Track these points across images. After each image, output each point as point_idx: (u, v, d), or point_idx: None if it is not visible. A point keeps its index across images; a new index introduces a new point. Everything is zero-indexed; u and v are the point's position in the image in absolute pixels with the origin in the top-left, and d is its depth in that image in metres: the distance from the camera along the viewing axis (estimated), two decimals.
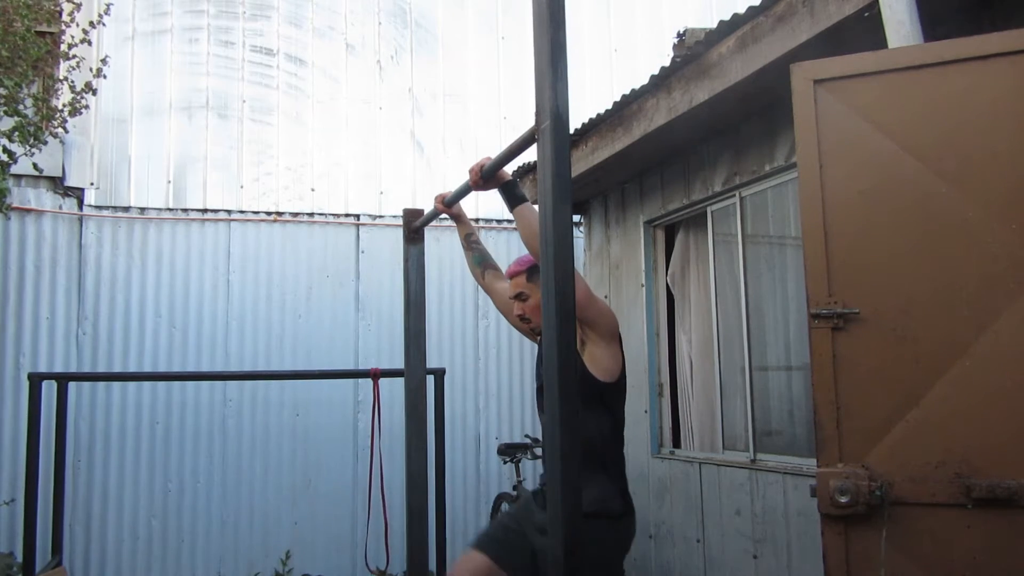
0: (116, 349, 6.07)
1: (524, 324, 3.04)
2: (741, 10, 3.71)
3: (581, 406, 2.63)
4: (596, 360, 2.78)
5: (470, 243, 3.33)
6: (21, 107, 5.04)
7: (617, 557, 2.81)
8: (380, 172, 6.81)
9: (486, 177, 2.68)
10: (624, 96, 4.73)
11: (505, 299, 3.15)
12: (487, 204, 6.78)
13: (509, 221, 6.84)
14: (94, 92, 5.52)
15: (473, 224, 3.48)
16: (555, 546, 1.70)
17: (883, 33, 2.77)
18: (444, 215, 3.19)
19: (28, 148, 5.09)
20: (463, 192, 2.88)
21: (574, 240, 1.78)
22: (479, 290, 6.81)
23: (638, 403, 5.59)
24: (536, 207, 2.72)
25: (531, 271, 2.94)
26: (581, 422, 2.66)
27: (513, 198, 2.71)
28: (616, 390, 2.84)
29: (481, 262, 3.30)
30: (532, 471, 6.31)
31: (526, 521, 2.92)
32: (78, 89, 5.32)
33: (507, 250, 6.88)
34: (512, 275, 3.03)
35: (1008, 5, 3.00)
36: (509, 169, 2.70)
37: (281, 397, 6.33)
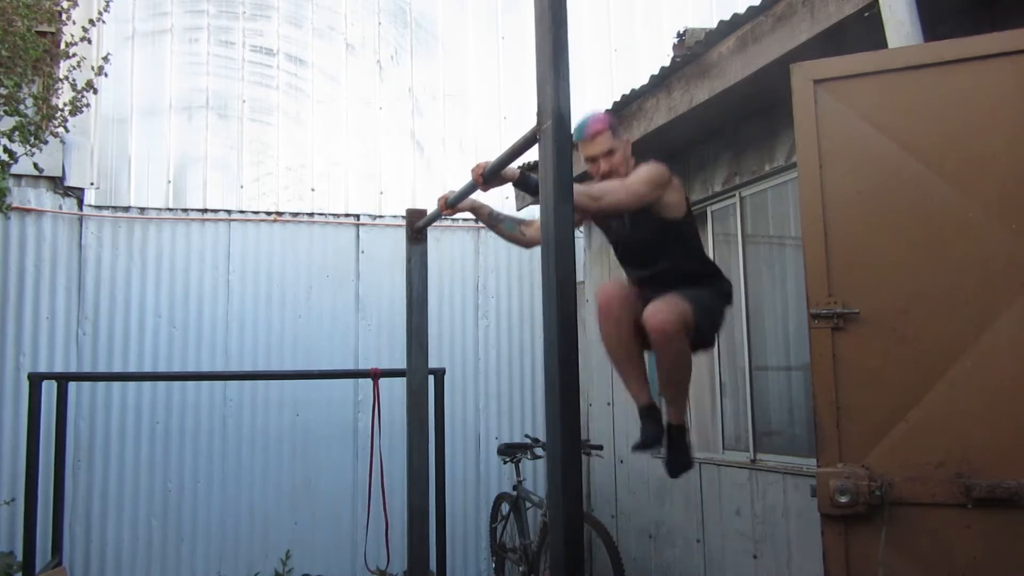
0: (116, 349, 6.07)
1: (604, 181, 3.11)
2: (741, 10, 3.71)
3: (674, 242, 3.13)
4: (664, 208, 3.08)
5: (495, 219, 3.36)
6: (21, 107, 5.03)
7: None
8: (380, 172, 6.81)
9: (487, 179, 2.68)
10: (624, 96, 4.73)
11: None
12: (487, 204, 6.76)
13: None
14: (95, 91, 5.51)
15: (472, 227, 3.50)
16: (555, 546, 1.70)
17: (883, 33, 2.78)
18: (446, 215, 3.18)
19: (28, 148, 5.09)
20: (467, 192, 2.88)
21: (575, 240, 1.78)
22: (479, 290, 6.81)
23: None
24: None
25: (613, 127, 3.18)
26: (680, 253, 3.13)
27: (528, 187, 2.69)
28: (684, 225, 3.20)
29: (513, 225, 3.37)
30: (532, 471, 6.31)
31: None
32: (79, 87, 5.32)
33: (507, 249, 6.87)
34: (596, 134, 3.14)
35: (1008, 5, 3.00)
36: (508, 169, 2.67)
37: (281, 397, 6.33)
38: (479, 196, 3.08)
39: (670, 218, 3.12)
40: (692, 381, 5.31)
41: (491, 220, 3.38)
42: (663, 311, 2.96)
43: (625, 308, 3.13)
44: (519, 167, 2.84)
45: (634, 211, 3.09)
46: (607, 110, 3.30)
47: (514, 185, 2.74)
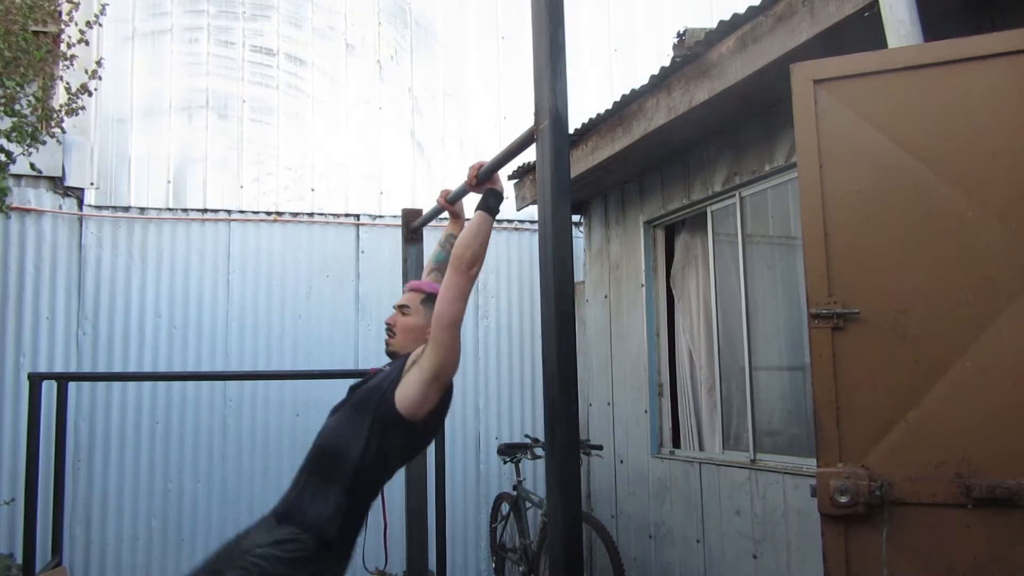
0: (116, 349, 6.07)
1: (386, 336, 2.83)
2: (741, 10, 3.71)
3: (365, 418, 2.50)
4: (407, 387, 2.56)
5: (447, 242, 3.20)
6: (18, 107, 5.02)
7: None
8: (380, 172, 6.81)
9: (482, 179, 2.69)
10: (624, 96, 4.73)
11: None
12: (461, 222, 6.76)
13: (509, 221, 6.84)
14: (90, 93, 5.51)
15: (462, 223, 3.37)
16: (555, 547, 1.70)
17: (883, 33, 2.77)
18: (444, 215, 3.19)
19: (25, 148, 5.08)
20: (463, 191, 2.89)
21: (574, 240, 1.78)
22: (478, 290, 6.80)
23: (638, 403, 5.59)
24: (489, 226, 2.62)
25: (431, 298, 2.76)
26: (349, 430, 2.51)
27: (485, 203, 2.61)
28: (407, 431, 2.58)
29: (439, 262, 3.16)
30: (532, 471, 6.30)
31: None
32: (73, 90, 5.31)
33: (506, 249, 6.88)
34: (412, 288, 2.85)
35: (1008, 5, 3.00)
36: (509, 168, 2.69)
37: (281, 397, 6.33)
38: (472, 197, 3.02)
39: (393, 400, 2.56)
40: (692, 381, 5.34)
41: (446, 239, 3.20)
42: None
43: None
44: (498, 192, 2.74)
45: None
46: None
47: (486, 191, 2.67)
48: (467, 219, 3.36)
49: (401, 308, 2.80)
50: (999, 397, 2.38)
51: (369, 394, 2.64)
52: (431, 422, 2.62)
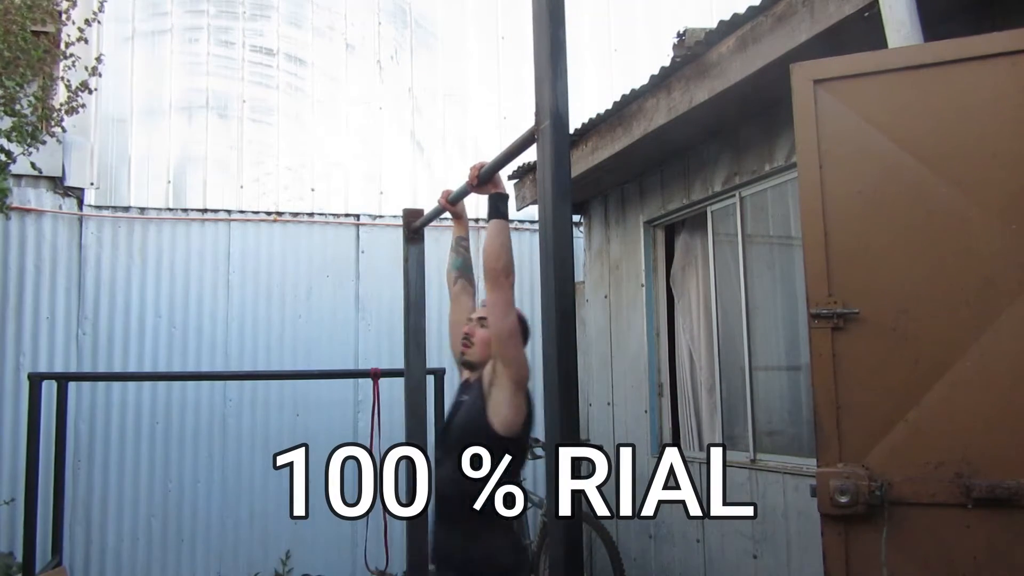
0: (116, 349, 6.07)
1: (462, 346, 2.89)
2: (741, 10, 3.71)
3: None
4: (497, 407, 2.65)
5: (459, 246, 3.23)
6: (18, 107, 5.02)
7: None
8: (380, 172, 6.81)
9: (483, 179, 2.69)
10: (624, 96, 4.73)
11: (461, 313, 3.04)
12: (467, 225, 6.75)
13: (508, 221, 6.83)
14: (90, 91, 5.51)
15: (471, 227, 3.40)
16: (555, 546, 1.70)
17: (883, 33, 2.77)
18: (444, 215, 3.18)
19: (25, 147, 5.08)
20: (464, 192, 2.89)
21: (574, 240, 1.78)
22: (480, 290, 6.80)
23: (638, 403, 5.59)
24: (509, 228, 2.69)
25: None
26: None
27: (496, 210, 2.68)
28: (514, 446, 2.69)
29: (460, 268, 3.18)
30: (532, 471, 6.30)
31: None
32: (74, 88, 5.31)
33: None
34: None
35: (1009, 5, 3.00)
36: (509, 168, 2.69)
37: (281, 397, 6.33)
38: (474, 198, 3.02)
39: (492, 426, 2.65)
40: (692, 381, 5.33)
41: (456, 242, 3.21)
42: None
43: None
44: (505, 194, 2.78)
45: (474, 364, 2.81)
46: None
47: (490, 196, 2.69)
48: (470, 220, 3.37)
49: (480, 320, 2.88)
50: (999, 397, 2.38)
51: (466, 431, 2.74)
52: (524, 433, 2.73)
